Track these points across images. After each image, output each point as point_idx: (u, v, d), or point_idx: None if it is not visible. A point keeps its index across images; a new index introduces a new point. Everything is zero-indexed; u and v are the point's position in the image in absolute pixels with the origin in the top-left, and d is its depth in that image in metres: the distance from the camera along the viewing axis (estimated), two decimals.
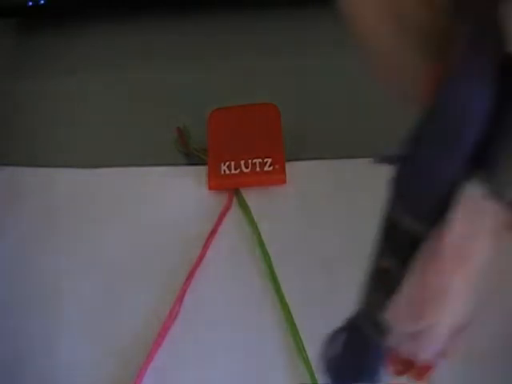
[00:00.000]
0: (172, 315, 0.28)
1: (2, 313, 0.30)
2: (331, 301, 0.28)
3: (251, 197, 0.32)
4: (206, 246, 0.30)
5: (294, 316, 0.28)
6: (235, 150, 0.32)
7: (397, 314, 0.16)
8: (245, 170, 0.32)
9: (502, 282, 0.28)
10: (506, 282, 0.28)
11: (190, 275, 0.29)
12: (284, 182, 0.32)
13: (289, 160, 0.32)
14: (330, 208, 0.31)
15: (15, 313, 0.30)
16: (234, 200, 0.32)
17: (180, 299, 0.29)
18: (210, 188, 0.32)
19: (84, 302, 0.29)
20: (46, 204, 0.33)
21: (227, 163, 0.32)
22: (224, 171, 0.32)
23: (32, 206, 0.33)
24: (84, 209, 0.32)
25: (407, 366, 0.18)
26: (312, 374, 0.26)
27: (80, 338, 0.29)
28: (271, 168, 0.31)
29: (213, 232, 0.30)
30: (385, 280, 0.17)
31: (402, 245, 0.17)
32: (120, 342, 0.28)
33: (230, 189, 0.32)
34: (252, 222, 0.31)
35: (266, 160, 0.32)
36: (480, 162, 0.14)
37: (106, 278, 0.30)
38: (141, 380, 0.26)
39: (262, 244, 0.30)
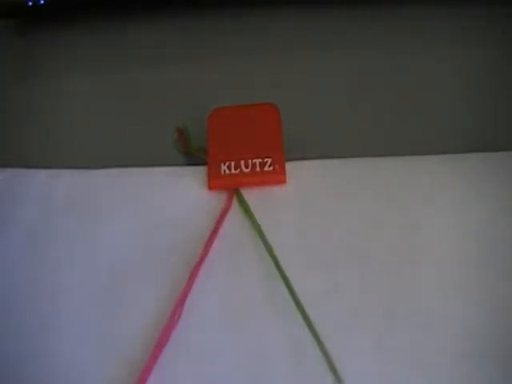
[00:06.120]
0: (174, 317, 0.28)
1: (1, 313, 0.30)
2: (331, 301, 0.28)
3: (251, 197, 0.32)
4: (207, 247, 0.30)
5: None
6: (235, 150, 0.32)
7: None
8: (245, 170, 0.32)
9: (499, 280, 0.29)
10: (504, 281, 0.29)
11: (192, 277, 0.29)
12: (284, 181, 0.32)
13: (289, 160, 0.32)
14: (330, 208, 0.31)
15: (15, 313, 0.30)
16: (234, 200, 0.32)
17: (182, 300, 0.28)
18: (210, 188, 0.32)
19: (84, 302, 0.29)
20: (45, 205, 0.33)
21: (227, 163, 0.32)
22: (224, 171, 0.32)
23: (32, 207, 0.33)
24: (84, 209, 0.32)
25: None
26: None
27: (80, 338, 0.29)
28: (271, 168, 0.31)
29: (214, 232, 0.30)
30: None
31: None
32: (120, 343, 0.28)
33: (230, 189, 0.32)
34: (253, 222, 0.31)
35: (265, 160, 0.32)
36: None
37: (105, 278, 0.30)
38: (144, 381, 0.26)
39: (266, 243, 0.30)
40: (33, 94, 0.38)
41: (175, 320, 0.28)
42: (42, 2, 0.39)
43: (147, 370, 0.27)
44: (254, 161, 0.32)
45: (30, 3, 0.39)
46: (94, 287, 0.30)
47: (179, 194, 0.32)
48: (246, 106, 0.33)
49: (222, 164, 0.32)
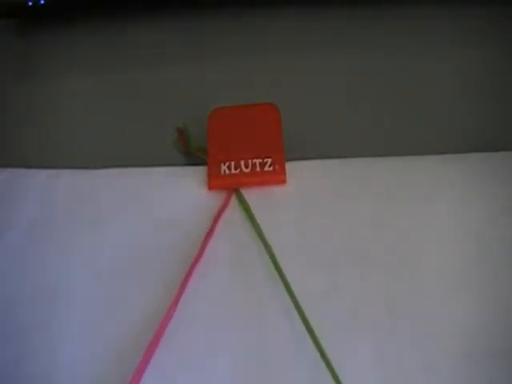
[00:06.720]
0: (168, 315, 0.28)
1: (1, 313, 0.30)
2: (331, 301, 0.28)
3: (251, 197, 0.32)
4: (203, 246, 0.30)
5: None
6: (235, 150, 0.32)
7: None
8: (245, 170, 0.32)
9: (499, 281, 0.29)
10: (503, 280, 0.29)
11: (188, 275, 0.29)
12: (284, 182, 0.32)
13: (289, 160, 0.32)
14: (330, 208, 0.31)
15: (15, 313, 0.30)
16: (233, 199, 0.32)
17: (176, 300, 0.28)
18: (210, 188, 0.32)
19: (84, 302, 0.29)
20: (45, 205, 0.33)
21: (227, 163, 0.32)
22: (224, 171, 0.32)
23: (32, 207, 0.33)
24: (84, 209, 0.32)
25: None
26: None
27: (80, 337, 0.29)
28: (271, 168, 0.31)
29: (210, 231, 0.30)
30: None
31: None
32: (120, 342, 0.28)
33: (230, 189, 0.32)
34: (253, 222, 0.31)
35: (265, 160, 0.32)
36: None
37: (105, 277, 0.30)
38: (138, 380, 0.26)
39: (266, 245, 0.30)
40: (33, 94, 0.38)
41: (166, 321, 0.28)
42: (42, 1, 0.39)
43: (141, 367, 0.26)
44: (253, 161, 0.32)
45: (30, 3, 0.39)
46: (94, 287, 0.30)
47: (179, 193, 0.32)
48: (246, 106, 0.33)
49: (222, 164, 0.32)
